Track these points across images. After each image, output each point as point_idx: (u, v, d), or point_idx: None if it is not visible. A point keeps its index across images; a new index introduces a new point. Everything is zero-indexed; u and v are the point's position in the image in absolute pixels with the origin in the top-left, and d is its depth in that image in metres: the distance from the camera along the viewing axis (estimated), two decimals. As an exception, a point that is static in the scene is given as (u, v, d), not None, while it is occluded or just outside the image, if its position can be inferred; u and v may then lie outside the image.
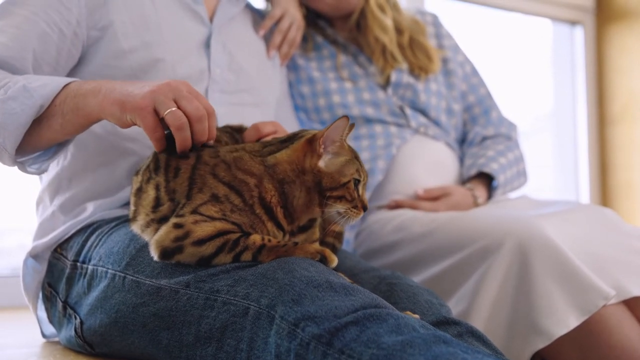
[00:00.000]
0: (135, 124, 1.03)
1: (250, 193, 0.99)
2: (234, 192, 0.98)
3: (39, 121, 1.09)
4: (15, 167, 1.18)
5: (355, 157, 1.04)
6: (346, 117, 0.97)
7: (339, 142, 1.00)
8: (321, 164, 1.00)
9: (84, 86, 1.09)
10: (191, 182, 1.00)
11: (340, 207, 1.00)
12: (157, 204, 1.03)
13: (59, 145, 1.18)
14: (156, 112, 1.00)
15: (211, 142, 1.07)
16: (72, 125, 1.10)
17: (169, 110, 0.99)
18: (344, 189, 1.00)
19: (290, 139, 1.05)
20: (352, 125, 1.06)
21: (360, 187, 1.03)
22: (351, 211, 1.01)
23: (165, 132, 1.03)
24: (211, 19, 1.43)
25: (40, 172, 1.20)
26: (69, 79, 1.11)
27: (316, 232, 1.11)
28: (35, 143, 1.13)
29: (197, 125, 1.02)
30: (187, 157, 1.03)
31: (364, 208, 1.03)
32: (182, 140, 1.01)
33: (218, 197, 0.98)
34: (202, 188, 0.99)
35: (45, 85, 1.08)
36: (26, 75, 1.13)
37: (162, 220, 1.01)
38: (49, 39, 1.21)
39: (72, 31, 1.24)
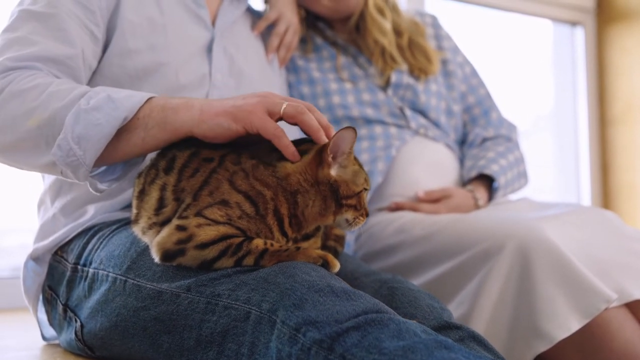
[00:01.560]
0: (243, 134, 1.00)
1: (266, 205, 0.98)
2: (249, 201, 0.98)
3: (117, 134, 1.04)
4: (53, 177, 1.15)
5: (360, 166, 1.04)
6: (353, 129, 0.97)
7: (348, 154, 1.00)
8: (333, 173, 1.00)
9: (172, 100, 1.05)
10: (203, 184, 1.00)
11: (349, 216, 1.01)
12: (160, 205, 1.02)
13: (125, 164, 1.14)
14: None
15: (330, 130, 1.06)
16: (156, 140, 1.05)
17: (285, 104, 1.00)
18: (357, 197, 1.01)
19: (297, 144, 1.04)
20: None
21: (365, 196, 1.04)
22: (358, 219, 1.02)
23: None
24: (213, 22, 1.43)
25: (103, 190, 1.14)
26: (150, 93, 1.08)
27: (318, 241, 1.10)
28: (107, 157, 1.07)
29: (315, 112, 1.03)
30: (210, 161, 1.03)
31: (367, 214, 1.04)
32: (310, 123, 1.00)
33: (228, 202, 0.97)
34: (213, 192, 0.98)
35: (129, 97, 1.05)
36: (101, 87, 1.09)
37: (165, 223, 1.00)
38: (86, 40, 1.21)
39: (101, 33, 1.24)
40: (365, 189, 1.03)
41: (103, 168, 1.12)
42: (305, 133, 1.03)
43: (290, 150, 1.00)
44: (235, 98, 1.04)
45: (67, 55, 1.17)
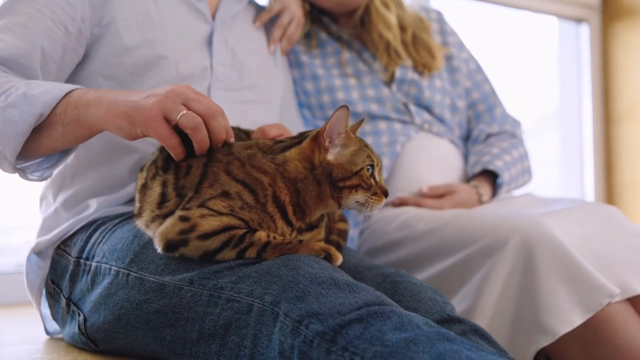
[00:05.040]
0: (144, 136, 1.01)
1: (264, 192, 0.98)
2: (248, 190, 0.98)
3: (39, 129, 1.07)
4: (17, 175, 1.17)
5: (364, 145, 1.03)
6: (345, 106, 0.97)
7: (344, 133, 1.00)
8: (330, 157, 0.99)
9: (85, 96, 1.06)
10: (202, 178, 1.00)
11: (359, 197, 1.00)
12: (163, 200, 1.03)
13: (62, 153, 1.17)
14: (167, 120, 0.99)
15: (232, 139, 1.06)
16: (73, 136, 1.08)
17: (181, 114, 0.98)
18: (357, 177, 0.99)
19: (300, 136, 1.05)
20: (361, 121, 1.08)
21: (376, 173, 1.02)
22: (371, 199, 1.00)
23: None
24: (213, 16, 1.43)
25: (42, 179, 1.18)
26: (71, 87, 1.09)
27: (321, 232, 1.10)
28: (35, 150, 1.11)
29: (213, 123, 1.01)
30: (199, 156, 1.03)
31: (385, 194, 1.02)
32: (200, 140, 1.00)
33: (229, 193, 0.97)
34: (213, 184, 0.99)
35: (45, 93, 1.06)
36: (29, 80, 1.11)
37: (168, 216, 1.00)
38: (55, 36, 1.20)
39: (76, 28, 1.23)
40: (370, 165, 1.01)
41: (41, 159, 1.15)
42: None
43: (180, 159, 1.02)
44: (141, 94, 1.03)
45: (20, 55, 1.17)
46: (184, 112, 0.98)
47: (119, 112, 1.01)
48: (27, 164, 1.15)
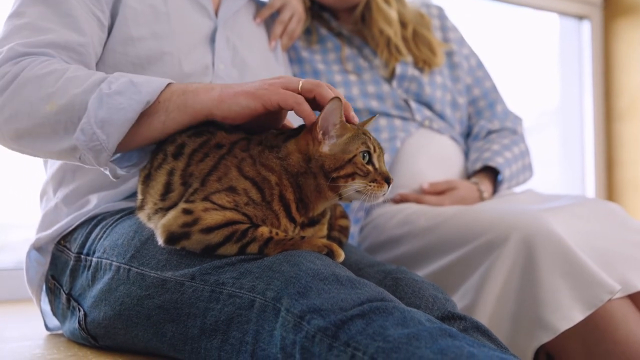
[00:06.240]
0: (264, 110, 1.01)
1: (271, 191, 0.98)
2: (256, 188, 0.98)
3: (138, 118, 1.05)
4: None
5: (362, 132, 1.01)
6: (337, 98, 0.96)
7: (339, 124, 0.98)
8: (325, 149, 0.98)
9: (192, 84, 1.07)
10: (212, 169, 1.00)
11: (356, 185, 0.97)
12: (166, 190, 1.02)
13: (141, 151, 1.14)
14: None
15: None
16: (176, 124, 1.06)
17: (302, 81, 1.02)
18: (351, 165, 0.97)
19: (300, 128, 1.04)
20: (372, 117, 1.10)
21: (375, 160, 1.00)
22: (370, 186, 0.98)
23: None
24: (216, 12, 1.43)
25: (121, 176, 1.14)
26: (167, 79, 1.08)
27: (324, 228, 1.10)
28: (128, 142, 1.07)
29: (331, 88, 1.04)
30: (220, 147, 1.03)
31: (387, 180, 0.99)
32: (328, 94, 1.01)
33: (236, 189, 0.97)
34: (222, 178, 0.98)
35: (150, 82, 1.05)
36: (119, 72, 1.09)
37: (171, 208, 1.00)
38: (94, 26, 1.21)
39: (106, 19, 1.24)
40: (366, 152, 0.99)
41: (118, 155, 1.13)
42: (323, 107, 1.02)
43: (314, 118, 1.00)
44: (254, 82, 1.06)
45: (79, 43, 1.17)
46: (304, 80, 1.03)
47: (236, 92, 1.03)
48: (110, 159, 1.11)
